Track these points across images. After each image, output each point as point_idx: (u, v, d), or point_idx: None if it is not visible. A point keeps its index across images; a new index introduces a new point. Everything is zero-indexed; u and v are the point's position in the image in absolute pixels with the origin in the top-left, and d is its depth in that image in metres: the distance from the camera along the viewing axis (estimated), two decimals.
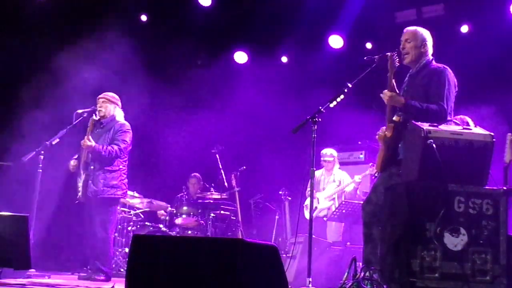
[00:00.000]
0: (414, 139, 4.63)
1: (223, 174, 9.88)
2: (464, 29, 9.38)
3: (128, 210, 9.52)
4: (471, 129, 4.63)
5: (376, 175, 5.58)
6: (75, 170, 7.38)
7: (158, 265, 3.93)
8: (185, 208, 9.41)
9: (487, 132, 4.57)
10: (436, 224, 4.36)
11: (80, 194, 7.20)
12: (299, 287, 6.29)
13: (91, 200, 7.17)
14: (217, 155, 9.92)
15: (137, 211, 9.60)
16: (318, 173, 9.34)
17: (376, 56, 5.48)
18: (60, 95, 8.95)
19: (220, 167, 9.90)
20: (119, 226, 9.14)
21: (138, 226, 9.31)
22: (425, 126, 4.53)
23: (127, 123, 7.50)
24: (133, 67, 9.46)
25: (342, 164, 9.67)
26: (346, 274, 5.22)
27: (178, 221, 9.26)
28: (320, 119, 5.63)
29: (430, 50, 5.33)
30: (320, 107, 5.62)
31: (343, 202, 8.28)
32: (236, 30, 10.58)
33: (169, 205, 9.65)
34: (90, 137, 7.19)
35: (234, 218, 9.76)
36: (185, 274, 3.85)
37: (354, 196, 8.75)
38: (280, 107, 10.29)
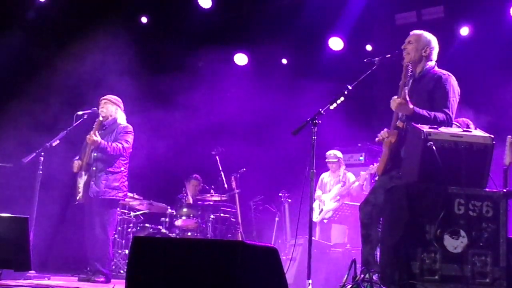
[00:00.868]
0: (414, 141, 4.64)
1: (223, 176, 9.88)
2: (464, 31, 9.38)
3: (128, 211, 9.53)
4: (471, 132, 4.64)
5: (376, 178, 5.58)
6: (79, 169, 7.37)
7: (158, 267, 3.93)
8: (185, 210, 9.41)
9: (487, 135, 4.57)
10: (436, 226, 4.36)
11: (80, 195, 7.20)
12: None
13: (91, 201, 7.17)
14: (217, 157, 9.92)
15: (137, 212, 9.60)
16: (325, 175, 9.38)
17: (376, 58, 5.49)
18: (60, 96, 8.96)
19: (220, 169, 9.90)
20: (119, 228, 9.15)
21: (138, 228, 9.31)
22: (425, 128, 4.53)
23: (129, 125, 7.52)
24: (134, 68, 9.47)
25: None
26: (346, 276, 5.22)
27: (178, 223, 9.26)
28: (320, 121, 5.63)
29: (434, 55, 5.32)
30: (320, 109, 5.62)
31: (344, 204, 8.29)
32: (236, 32, 10.59)
33: (169, 207, 9.65)
34: (96, 132, 7.20)
35: (234, 220, 9.76)
36: (185, 276, 3.85)
37: (361, 193, 8.73)
38: (280, 108, 10.30)
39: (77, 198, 7.25)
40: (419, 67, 5.29)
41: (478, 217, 4.43)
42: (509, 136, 5.32)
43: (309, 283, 5.39)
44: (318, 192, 9.29)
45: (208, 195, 9.76)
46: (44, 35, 9.72)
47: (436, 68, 5.27)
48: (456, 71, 5.27)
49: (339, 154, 9.33)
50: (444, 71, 5.22)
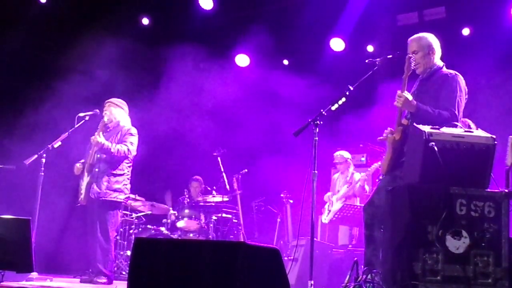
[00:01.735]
0: (416, 141, 4.63)
1: (224, 177, 9.88)
2: (466, 32, 9.38)
3: (130, 213, 9.53)
4: (472, 132, 4.63)
5: (380, 177, 5.58)
6: (80, 172, 7.38)
7: (160, 268, 3.94)
8: (186, 211, 9.41)
9: (489, 135, 4.57)
10: (438, 227, 4.35)
11: (82, 196, 7.20)
12: None
13: (93, 202, 7.17)
14: (218, 158, 9.92)
15: (139, 214, 9.61)
16: (335, 176, 9.40)
17: (378, 59, 5.49)
18: (62, 97, 8.97)
19: (222, 170, 9.91)
20: (121, 229, 9.16)
21: (140, 229, 9.32)
22: (427, 128, 4.53)
23: (134, 128, 7.52)
24: (135, 70, 9.48)
25: None
26: (348, 277, 5.22)
27: (180, 224, 9.26)
28: (321, 122, 5.63)
29: (438, 53, 5.31)
30: (322, 110, 5.62)
31: (346, 205, 8.29)
32: (237, 33, 10.59)
33: (170, 208, 9.65)
34: (101, 133, 7.20)
35: (236, 221, 9.76)
36: (187, 277, 3.85)
37: (362, 193, 8.73)
38: (281, 109, 10.30)
39: (79, 199, 7.26)
40: (427, 67, 5.28)
41: (480, 217, 4.42)
42: (511, 136, 5.32)
43: (311, 284, 5.39)
44: (328, 194, 9.30)
45: (210, 196, 9.76)
46: (45, 36, 9.74)
47: (445, 69, 5.26)
48: (457, 71, 5.27)
49: (346, 154, 9.32)
50: (451, 71, 5.22)
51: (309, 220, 5.71)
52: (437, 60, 5.30)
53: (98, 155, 7.24)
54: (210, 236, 9.25)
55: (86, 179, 7.21)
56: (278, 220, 9.98)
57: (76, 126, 7.47)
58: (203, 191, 10.14)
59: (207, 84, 10.93)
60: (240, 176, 9.97)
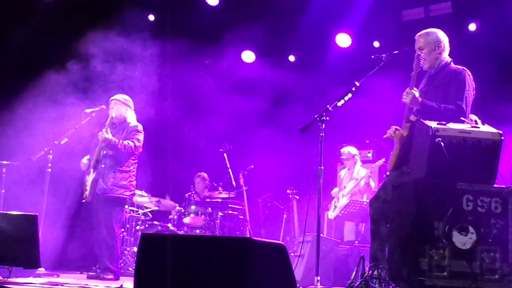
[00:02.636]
0: (422, 137, 4.62)
1: (231, 173, 9.89)
2: (472, 27, 9.35)
3: (137, 209, 9.55)
4: (479, 128, 4.62)
5: (387, 173, 5.58)
6: (86, 168, 7.40)
7: (166, 264, 3.94)
8: (193, 207, 9.42)
9: (496, 130, 4.55)
10: (445, 223, 4.35)
11: (87, 192, 7.21)
12: (308, 286, 6.30)
13: (98, 198, 7.18)
14: (225, 154, 9.93)
15: (145, 210, 9.63)
16: (342, 172, 9.39)
17: (384, 55, 5.48)
18: (69, 94, 8.98)
19: (228, 166, 9.91)
20: (128, 225, 9.18)
21: (147, 226, 9.33)
22: (433, 124, 4.52)
23: (140, 124, 7.52)
24: (141, 66, 9.49)
25: None
26: (354, 272, 5.22)
27: (186, 220, 9.27)
28: (328, 118, 5.63)
29: (446, 49, 5.29)
30: (328, 106, 5.62)
31: (352, 201, 8.28)
32: (243, 29, 10.59)
33: (177, 204, 9.67)
34: (108, 129, 7.21)
35: (242, 217, 9.77)
36: (194, 273, 3.86)
37: (368, 190, 8.72)
38: (287, 105, 10.30)
39: (84, 196, 7.27)
40: (435, 64, 5.26)
41: (487, 213, 4.41)
42: None
43: (317, 280, 5.41)
44: (335, 189, 9.30)
45: (216, 192, 9.77)
46: (51, 33, 9.75)
47: (452, 64, 5.24)
48: (463, 66, 5.25)
49: (353, 151, 9.28)
50: (459, 66, 5.20)
51: (315, 216, 5.73)
52: (445, 56, 5.28)
53: (105, 151, 7.24)
54: (216, 232, 9.26)
55: (92, 175, 7.22)
56: (284, 216, 9.98)
57: (82, 122, 7.49)
58: (209, 187, 10.15)
59: (211, 80, 10.93)
60: (246, 172, 9.98)
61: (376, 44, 10.10)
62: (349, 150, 9.29)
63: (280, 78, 10.38)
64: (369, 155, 10.21)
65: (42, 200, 7.16)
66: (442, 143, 4.39)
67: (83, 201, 7.35)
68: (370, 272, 4.84)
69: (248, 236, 9.32)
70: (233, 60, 11.03)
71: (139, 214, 9.50)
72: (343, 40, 10.24)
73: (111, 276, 7.03)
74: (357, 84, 5.60)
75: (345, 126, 9.46)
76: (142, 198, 9.42)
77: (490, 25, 9.14)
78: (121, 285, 5.67)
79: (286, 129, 9.71)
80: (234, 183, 9.85)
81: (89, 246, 8.16)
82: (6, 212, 6.19)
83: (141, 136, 7.44)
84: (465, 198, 4.42)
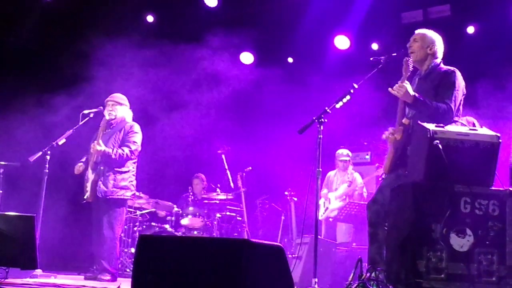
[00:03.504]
0: (420, 139, 4.63)
1: (229, 175, 9.89)
2: (470, 30, 9.37)
3: (134, 210, 9.54)
4: (477, 130, 4.62)
5: (383, 176, 5.58)
6: (81, 172, 7.40)
7: (164, 265, 3.94)
8: (191, 208, 9.42)
9: (493, 133, 4.56)
10: (442, 225, 4.34)
11: (88, 194, 7.21)
12: None
13: (99, 201, 7.18)
14: (223, 156, 9.93)
15: (143, 211, 9.62)
16: (331, 174, 9.38)
17: (383, 57, 5.49)
18: (66, 94, 8.97)
19: (226, 167, 9.91)
20: (125, 227, 9.18)
21: (144, 227, 9.33)
22: (431, 126, 4.52)
23: (137, 124, 7.52)
24: (139, 67, 9.48)
25: None
26: (352, 274, 5.21)
27: (184, 221, 9.27)
28: (326, 120, 5.64)
29: (439, 53, 5.32)
30: (326, 108, 5.62)
31: (350, 203, 8.29)
32: (242, 31, 10.59)
33: (175, 206, 9.66)
34: (100, 141, 7.20)
35: (240, 218, 9.77)
36: (191, 274, 3.86)
37: (361, 198, 8.76)
38: (286, 107, 10.30)
39: (85, 197, 7.27)
40: (425, 65, 5.30)
41: (484, 215, 4.41)
42: None
43: (315, 282, 5.40)
44: (324, 190, 9.29)
45: (214, 193, 9.77)
46: (48, 34, 9.75)
47: (443, 66, 5.27)
48: (462, 69, 5.27)
49: (350, 153, 9.35)
50: (449, 67, 5.22)
51: (313, 218, 5.72)
52: (437, 60, 5.31)
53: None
54: (214, 234, 9.26)
55: (91, 176, 7.22)
56: (282, 217, 9.97)
57: (80, 123, 7.48)
58: (207, 189, 10.14)
59: (210, 81, 10.92)
60: (244, 174, 9.97)
61: (375, 46, 10.11)
62: (347, 152, 9.32)
63: (279, 80, 10.38)
64: (367, 157, 10.23)
65: (40, 201, 7.15)
66: (440, 146, 4.39)
67: (84, 202, 7.33)
68: (367, 274, 4.83)
69: (246, 237, 9.32)
70: (232, 62, 11.02)
71: (136, 215, 9.50)
72: (342, 42, 10.24)
73: (108, 277, 7.02)
74: (356, 86, 5.60)
75: (343, 128, 9.46)
76: (140, 199, 9.42)
77: (488, 28, 9.15)
78: (119, 286, 5.66)
79: (284, 130, 9.70)
80: (232, 184, 9.85)
81: (86, 247, 8.15)
82: (3, 213, 6.17)
83: (137, 137, 7.43)
84: (463, 201, 4.42)
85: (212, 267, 3.80)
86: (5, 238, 5.70)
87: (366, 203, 5.59)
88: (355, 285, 4.84)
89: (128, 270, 8.60)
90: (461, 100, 5.16)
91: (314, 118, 5.64)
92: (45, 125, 8.72)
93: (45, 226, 7.44)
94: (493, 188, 4.52)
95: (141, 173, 8.09)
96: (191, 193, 9.76)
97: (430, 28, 5.44)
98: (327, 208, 9.10)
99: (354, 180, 9.12)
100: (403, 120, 5.16)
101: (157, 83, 10.07)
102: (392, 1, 9.46)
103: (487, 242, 4.38)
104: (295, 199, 9.70)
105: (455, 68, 5.20)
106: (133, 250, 8.97)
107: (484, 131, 4.64)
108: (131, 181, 7.38)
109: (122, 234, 8.93)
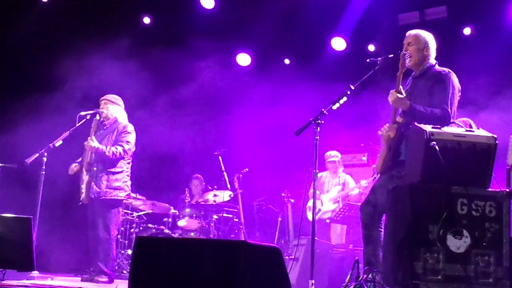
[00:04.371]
0: (417, 141, 4.63)
1: (225, 176, 9.88)
2: (467, 31, 9.39)
3: (131, 212, 9.53)
4: (474, 131, 4.63)
5: (375, 176, 5.58)
6: (76, 173, 7.39)
7: (161, 267, 3.94)
8: (187, 210, 9.42)
9: (490, 134, 4.57)
10: (439, 226, 4.35)
11: (83, 195, 7.21)
12: None
13: (93, 202, 7.18)
14: (219, 157, 9.93)
15: (140, 213, 9.61)
16: (322, 175, 9.36)
17: (379, 59, 5.50)
18: (63, 96, 8.97)
19: (223, 169, 9.91)
20: (122, 228, 9.16)
21: (141, 228, 9.32)
22: (428, 128, 4.53)
23: (130, 124, 7.50)
24: (136, 69, 9.47)
25: (345, 166, 9.70)
26: (348, 276, 5.22)
27: (181, 223, 9.26)
28: (323, 121, 5.64)
29: (433, 53, 5.33)
30: (323, 109, 5.62)
31: (346, 204, 8.29)
32: (239, 32, 10.59)
33: (171, 207, 9.65)
34: (93, 138, 7.20)
35: (237, 220, 9.76)
36: (188, 276, 3.85)
37: (359, 201, 8.75)
38: (282, 109, 10.30)
39: (80, 198, 7.26)
40: (420, 65, 5.29)
41: (481, 217, 4.42)
42: None
43: (312, 283, 5.39)
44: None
45: (212, 193, 9.76)
46: (46, 36, 9.74)
47: (437, 66, 5.27)
48: (458, 71, 5.27)
49: (339, 154, 9.35)
50: (444, 68, 5.23)
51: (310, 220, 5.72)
52: (431, 60, 5.31)
53: (95, 155, 7.25)
54: (211, 235, 9.25)
55: (85, 177, 7.22)
56: (279, 219, 9.97)
57: (77, 125, 7.47)
58: (204, 190, 10.14)
59: (207, 83, 10.92)
60: (241, 175, 9.97)
61: (371, 47, 10.12)
62: (335, 153, 9.33)
63: (275, 81, 10.38)
64: (364, 158, 10.22)
65: (36, 203, 7.13)
66: (437, 147, 4.40)
67: (80, 203, 7.33)
68: (364, 276, 4.84)
69: (243, 239, 9.31)
70: (228, 63, 11.03)
71: (133, 217, 9.49)
72: (339, 43, 10.25)
73: (105, 279, 7.01)
74: (352, 87, 5.61)
75: (340, 129, 9.46)
76: (137, 201, 9.41)
77: (485, 29, 9.17)
78: None
79: (281, 132, 9.70)
80: (229, 186, 9.85)
81: (83, 249, 8.14)
82: (0, 215, 6.16)
83: (131, 137, 7.41)
84: (460, 202, 4.42)
85: (209, 268, 3.80)
86: (2, 239, 5.70)
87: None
88: (352, 286, 4.84)
89: (125, 271, 8.58)
90: (456, 103, 5.16)
91: (311, 119, 5.64)
92: (41, 126, 8.70)
93: (42, 228, 7.42)
94: (490, 189, 4.53)
95: (138, 175, 8.09)
96: (188, 195, 9.76)
97: (426, 30, 5.44)
98: (319, 210, 9.09)
99: (346, 184, 9.13)
100: (397, 118, 5.17)
101: (154, 84, 10.07)
102: (388, 3, 9.47)
103: (484, 244, 4.39)
104: (292, 200, 9.69)
105: (450, 70, 5.20)
106: (130, 251, 8.97)
107: (481, 132, 4.65)
108: (125, 182, 7.36)
109: (119, 236, 8.91)
